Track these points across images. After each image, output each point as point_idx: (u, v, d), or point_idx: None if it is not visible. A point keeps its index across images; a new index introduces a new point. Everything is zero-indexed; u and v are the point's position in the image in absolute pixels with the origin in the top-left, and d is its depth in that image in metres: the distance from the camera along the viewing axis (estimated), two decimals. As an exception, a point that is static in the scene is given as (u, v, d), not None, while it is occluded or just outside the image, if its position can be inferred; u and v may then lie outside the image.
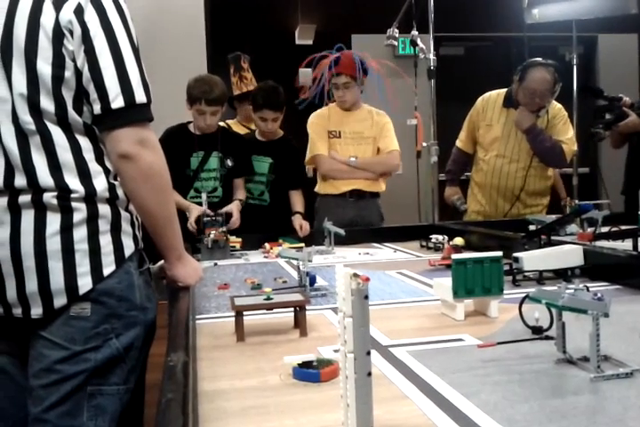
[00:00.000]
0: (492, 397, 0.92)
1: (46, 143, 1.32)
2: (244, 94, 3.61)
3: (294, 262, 1.93)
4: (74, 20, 1.30)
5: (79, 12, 1.30)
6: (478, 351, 1.13)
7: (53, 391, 1.29)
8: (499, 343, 1.13)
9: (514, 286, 1.72)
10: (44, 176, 1.31)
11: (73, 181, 1.32)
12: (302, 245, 2.54)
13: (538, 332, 1.18)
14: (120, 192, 1.38)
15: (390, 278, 1.94)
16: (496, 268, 1.39)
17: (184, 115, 2.93)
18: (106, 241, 1.35)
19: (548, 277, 1.77)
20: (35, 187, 1.31)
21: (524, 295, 1.19)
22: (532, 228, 2.48)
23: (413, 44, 3.13)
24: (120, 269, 1.35)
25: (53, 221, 1.31)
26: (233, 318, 1.31)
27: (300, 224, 2.78)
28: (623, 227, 2.24)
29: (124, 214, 1.40)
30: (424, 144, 3.12)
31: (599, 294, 0.99)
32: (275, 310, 1.39)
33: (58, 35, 1.30)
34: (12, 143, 1.31)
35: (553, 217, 2.47)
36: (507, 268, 1.69)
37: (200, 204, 2.68)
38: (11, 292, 1.31)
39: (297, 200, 3.00)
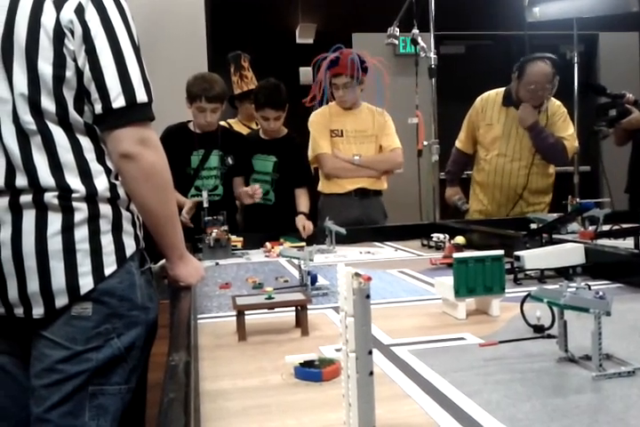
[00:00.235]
0: (494, 396, 0.92)
1: (47, 143, 1.32)
2: (244, 93, 3.62)
3: (295, 262, 1.93)
4: (75, 20, 1.30)
5: (80, 11, 1.31)
6: (480, 350, 1.13)
7: (55, 391, 1.29)
8: (500, 342, 1.13)
9: (515, 285, 1.72)
10: (45, 176, 1.31)
11: (74, 181, 1.33)
12: (303, 244, 2.54)
13: (539, 330, 1.18)
14: (121, 192, 1.38)
15: (391, 277, 1.94)
16: (497, 266, 1.39)
17: (185, 114, 2.93)
18: (107, 241, 1.35)
19: (549, 275, 1.77)
20: (36, 187, 1.31)
21: (525, 294, 1.19)
22: (533, 226, 2.48)
23: (414, 42, 3.13)
24: (121, 269, 1.35)
25: (54, 221, 1.31)
26: (234, 318, 1.31)
27: (304, 225, 2.76)
28: (625, 225, 2.24)
29: (125, 214, 1.40)
30: (425, 143, 3.11)
31: (601, 293, 0.99)
32: (276, 310, 1.39)
33: (59, 34, 1.30)
34: (12, 143, 1.31)
35: (554, 215, 2.47)
36: (508, 266, 1.69)
37: (201, 202, 2.69)
38: (12, 292, 1.31)
39: (302, 200, 2.97)
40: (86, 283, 1.31)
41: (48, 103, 1.31)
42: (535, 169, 3.27)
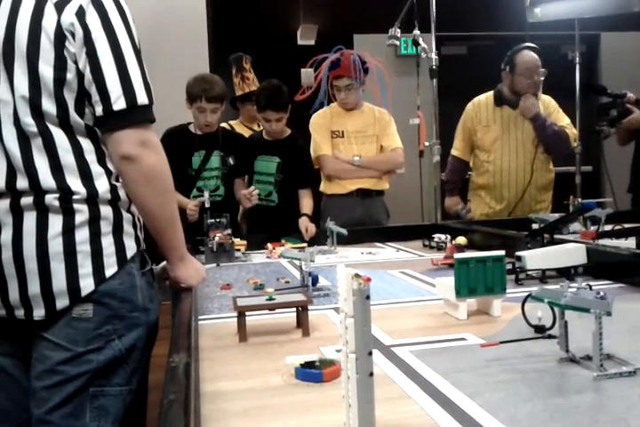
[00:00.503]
0: (495, 396, 0.92)
1: (48, 145, 1.32)
2: (246, 95, 3.62)
3: (297, 263, 1.93)
4: (75, 23, 1.30)
5: (81, 14, 1.31)
6: (481, 351, 1.13)
7: (56, 393, 1.29)
8: (501, 342, 1.12)
9: (517, 285, 1.72)
10: (46, 178, 1.31)
11: (75, 183, 1.33)
12: (305, 245, 2.53)
13: (540, 331, 1.18)
14: (122, 193, 1.39)
15: (393, 278, 1.93)
16: (498, 267, 1.39)
17: (186, 115, 2.94)
18: (108, 242, 1.35)
19: (550, 275, 1.76)
20: (37, 189, 1.31)
21: (526, 294, 1.19)
22: (535, 226, 2.48)
23: (415, 43, 3.13)
24: (122, 271, 1.36)
25: (55, 223, 1.31)
26: (235, 319, 1.31)
27: (306, 227, 2.74)
28: (627, 225, 2.24)
29: (125, 216, 1.40)
30: (426, 144, 3.12)
31: (602, 293, 0.99)
32: (277, 311, 1.39)
33: (59, 37, 1.30)
34: (13, 145, 1.32)
35: (556, 215, 2.47)
36: (510, 267, 1.69)
37: (203, 203, 2.69)
38: (13, 294, 1.32)
39: (305, 201, 2.95)
40: (87, 284, 1.31)
41: (49, 105, 1.31)
42: (538, 164, 3.31)
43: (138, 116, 1.33)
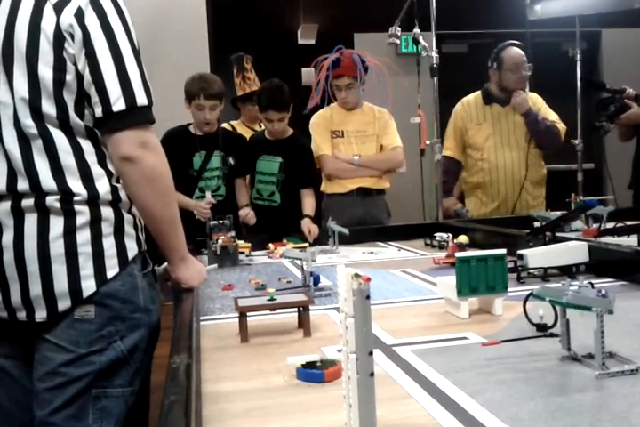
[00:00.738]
0: (497, 395, 0.92)
1: (48, 147, 1.32)
2: (247, 95, 3.61)
3: (298, 262, 1.92)
4: (74, 24, 1.30)
5: (80, 15, 1.31)
6: (482, 350, 1.13)
7: (58, 394, 1.29)
8: (502, 341, 1.12)
9: (519, 284, 1.71)
10: (47, 180, 1.31)
11: (75, 184, 1.33)
12: (306, 245, 2.54)
13: (542, 329, 1.18)
14: (122, 195, 1.39)
15: (394, 277, 1.93)
16: (500, 265, 1.38)
17: (186, 115, 2.94)
18: (109, 244, 1.35)
19: (552, 273, 1.76)
20: (37, 191, 1.31)
21: (528, 293, 1.19)
22: (536, 224, 2.48)
23: (416, 42, 3.13)
24: (123, 272, 1.36)
25: (56, 225, 1.31)
26: (237, 319, 1.31)
27: (309, 228, 2.73)
28: (629, 222, 2.23)
29: (126, 217, 1.40)
30: (427, 142, 3.11)
31: (603, 291, 0.98)
32: (278, 311, 1.39)
33: (59, 38, 1.30)
34: (14, 147, 1.32)
35: (558, 213, 2.46)
36: (512, 265, 1.68)
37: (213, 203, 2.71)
38: (15, 296, 1.32)
39: (308, 202, 2.94)
40: (89, 286, 1.31)
41: (49, 107, 1.31)
42: (532, 159, 3.35)
43: (137, 117, 1.33)
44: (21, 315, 1.33)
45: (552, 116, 3.39)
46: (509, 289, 1.40)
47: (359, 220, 3.07)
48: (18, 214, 1.31)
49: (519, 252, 1.75)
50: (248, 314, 1.31)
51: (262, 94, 2.95)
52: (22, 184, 1.31)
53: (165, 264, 1.57)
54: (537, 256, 1.73)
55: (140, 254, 1.43)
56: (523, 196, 3.33)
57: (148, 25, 4.06)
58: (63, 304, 1.30)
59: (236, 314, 1.32)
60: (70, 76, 1.31)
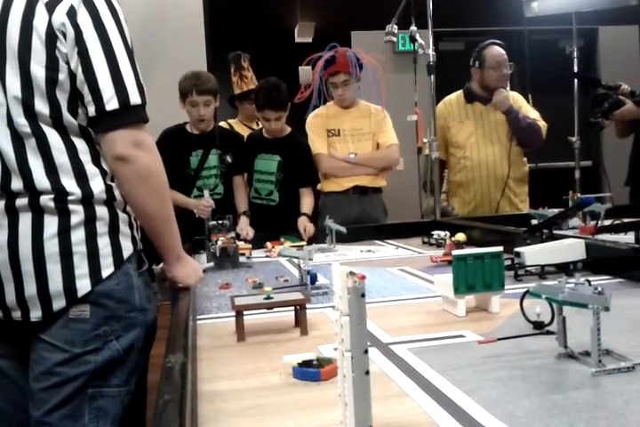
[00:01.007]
0: (493, 393, 0.91)
1: (42, 146, 1.31)
2: (244, 93, 3.61)
3: (295, 261, 1.92)
4: (67, 23, 1.30)
5: (72, 14, 1.30)
6: (479, 347, 1.12)
7: (54, 394, 1.29)
8: (499, 339, 1.12)
9: (516, 281, 1.71)
10: (41, 179, 1.31)
11: (69, 184, 1.32)
12: (304, 243, 2.53)
13: (539, 327, 1.17)
14: (117, 194, 1.38)
15: (391, 275, 1.93)
16: (496, 263, 1.38)
17: (182, 114, 2.93)
18: (104, 243, 1.35)
19: (550, 271, 1.76)
20: (31, 190, 1.31)
21: (525, 290, 1.18)
22: (534, 222, 2.47)
23: (412, 39, 3.12)
24: (119, 271, 1.35)
25: (51, 224, 1.30)
26: (234, 318, 1.31)
27: (305, 227, 2.72)
28: (626, 220, 2.23)
29: (121, 216, 1.39)
30: (425, 140, 3.11)
31: (600, 288, 0.98)
32: (275, 310, 1.38)
33: (51, 37, 1.29)
34: (7, 146, 1.31)
35: (555, 211, 2.46)
36: (508, 263, 1.68)
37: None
38: (10, 295, 1.31)
39: (306, 200, 2.93)
40: (84, 285, 1.31)
41: (42, 106, 1.30)
42: (514, 157, 3.37)
43: (131, 116, 1.33)
44: (16, 315, 1.33)
45: (533, 114, 3.41)
46: (506, 287, 1.40)
47: (356, 218, 3.07)
48: (12, 214, 1.31)
49: (516, 249, 1.75)
50: (245, 313, 1.30)
51: (259, 93, 2.94)
52: (16, 183, 1.31)
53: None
54: (534, 254, 1.73)
55: (136, 253, 1.42)
56: (506, 193, 3.35)
57: (144, 23, 4.06)
58: (58, 304, 1.30)
59: (233, 313, 1.31)
60: (63, 75, 1.31)
